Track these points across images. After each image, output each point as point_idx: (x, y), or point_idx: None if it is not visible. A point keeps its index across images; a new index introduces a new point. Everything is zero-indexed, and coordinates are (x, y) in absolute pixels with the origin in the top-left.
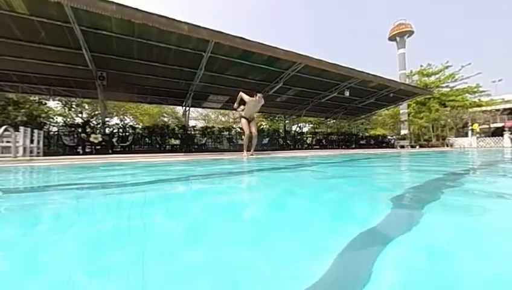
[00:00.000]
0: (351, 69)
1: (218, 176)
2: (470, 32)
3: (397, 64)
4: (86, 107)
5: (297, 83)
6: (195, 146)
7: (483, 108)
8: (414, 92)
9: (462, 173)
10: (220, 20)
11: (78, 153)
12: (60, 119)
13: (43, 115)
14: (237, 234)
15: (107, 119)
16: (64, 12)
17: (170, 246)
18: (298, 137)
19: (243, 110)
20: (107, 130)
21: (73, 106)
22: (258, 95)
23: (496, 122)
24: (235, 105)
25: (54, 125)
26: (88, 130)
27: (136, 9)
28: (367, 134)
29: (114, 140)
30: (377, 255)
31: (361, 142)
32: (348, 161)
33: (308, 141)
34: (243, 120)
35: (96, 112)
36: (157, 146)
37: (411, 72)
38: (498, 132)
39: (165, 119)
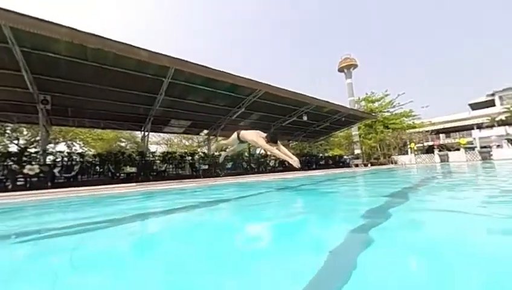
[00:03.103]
0: (305, 95)
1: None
2: (404, 66)
3: (347, 92)
4: (24, 132)
5: (259, 108)
6: (154, 173)
7: (417, 129)
8: (362, 116)
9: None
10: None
11: (6, 188)
12: None
13: None
14: None
15: (50, 145)
16: (2, 31)
17: None
18: (262, 160)
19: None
20: (49, 159)
21: (8, 131)
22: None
23: (428, 141)
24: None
25: None
26: (24, 159)
27: (91, 34)
28: (326, 154)
29: (56, 171)
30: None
31: (321, 162)
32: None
33: (271, 164)
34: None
35: (37, 138)
36: (110, 175)
37: (359, 98)
38: (430, 149)
39: (123, 144)
